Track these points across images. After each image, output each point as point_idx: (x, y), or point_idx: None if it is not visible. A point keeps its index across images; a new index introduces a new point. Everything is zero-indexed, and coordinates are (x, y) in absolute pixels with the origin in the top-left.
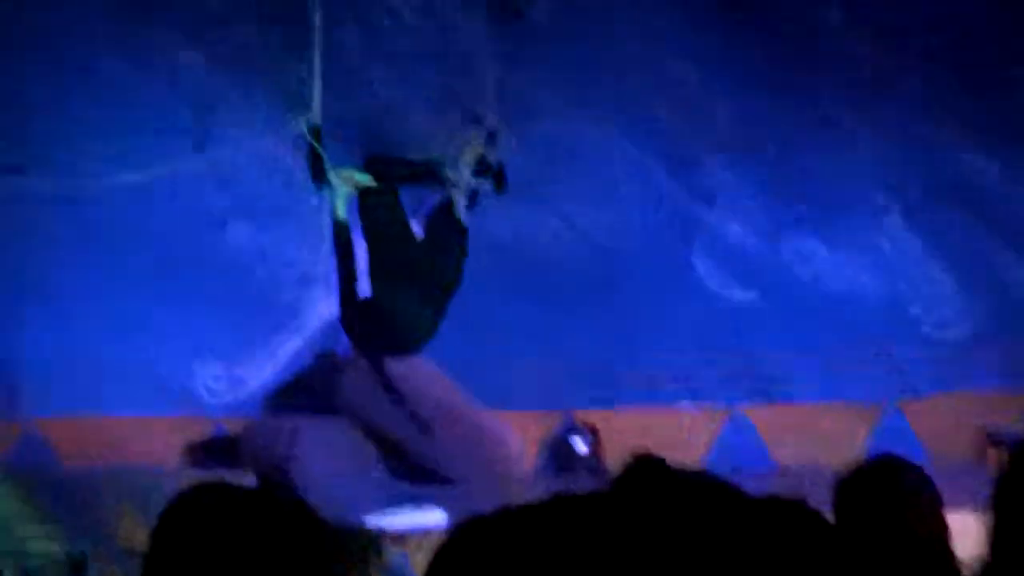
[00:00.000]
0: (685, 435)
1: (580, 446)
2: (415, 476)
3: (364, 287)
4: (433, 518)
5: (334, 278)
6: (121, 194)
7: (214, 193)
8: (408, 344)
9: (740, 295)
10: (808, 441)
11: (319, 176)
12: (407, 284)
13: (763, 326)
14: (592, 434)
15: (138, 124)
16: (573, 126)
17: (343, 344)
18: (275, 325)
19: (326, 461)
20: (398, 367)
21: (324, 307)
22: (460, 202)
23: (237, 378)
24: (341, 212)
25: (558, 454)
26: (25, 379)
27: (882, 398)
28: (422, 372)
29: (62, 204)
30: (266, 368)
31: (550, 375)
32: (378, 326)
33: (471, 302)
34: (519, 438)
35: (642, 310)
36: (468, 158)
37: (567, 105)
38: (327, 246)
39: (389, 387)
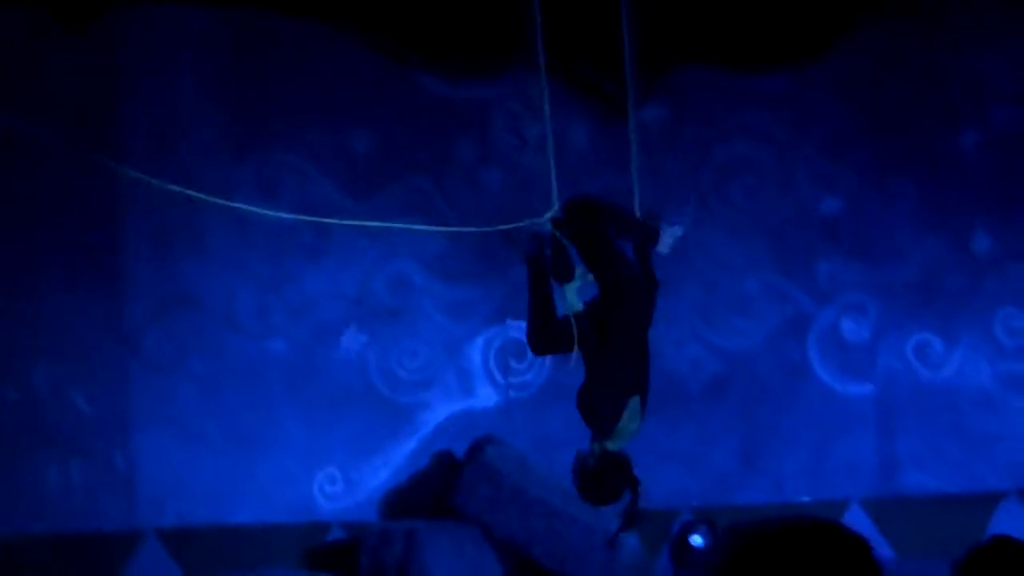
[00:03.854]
0: None
1: (699, 542)
2: None
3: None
4: None
5: (446, 385)
6: (243, 311)
7: (330, 304)
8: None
9: (856, 390)
10: (927, 532)
11: (564, 271)
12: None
13: (879, 419)
14: (711, 530)
15: (261, 245)
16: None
17: (458, 447)
18: (390, 429)
19: (443, 563)
20: (515, 467)
21: (438, 410)
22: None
23: (354, 482)
24: (578, 304)
25: (678, 550)
26: (144, 491)
27: (1001, 489)
28: (539, 473)
29: (187, 325)
30: (382, 472)
31: (669, 472)
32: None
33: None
34: (637, 536)
35: (760, 405)
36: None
37: (681, 208)
38: (436, 351)
39: (507, 489)
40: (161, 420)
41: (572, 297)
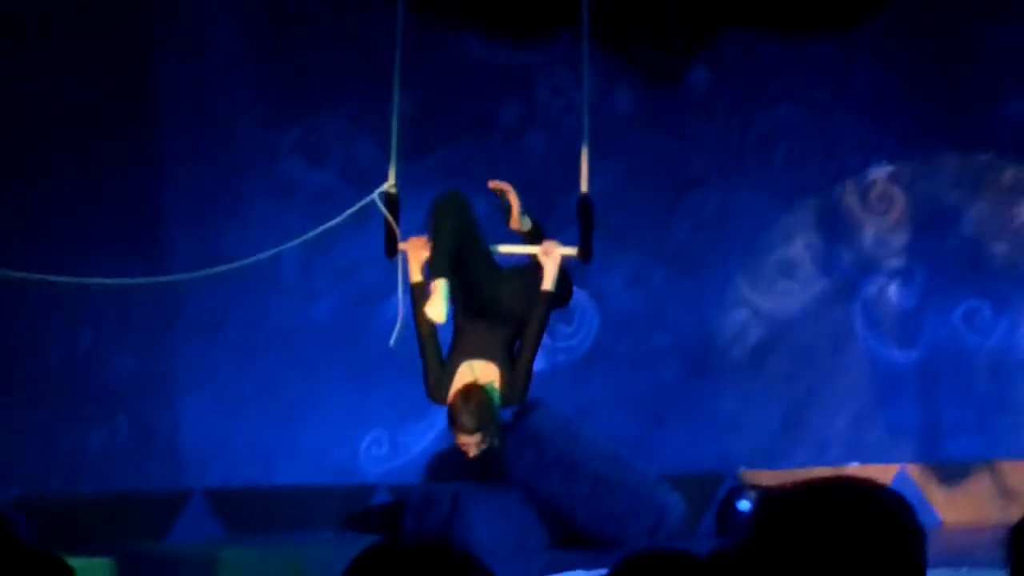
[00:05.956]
0: None
1: (747, 507)
2: (578, 540)
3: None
4: None
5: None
6: (287, 274)
7: (374, 267)
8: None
9: (903, 356)
10: (974, 499)
11: (392, 246)
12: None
13: (927, 386)
14: (758, 495)
15: (305, 210)
16: (730, 194)
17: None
18: None
19: (488, 526)
20: (559, 431)
21: None
22: (550, 270)
23: (399, 445)
24: (415, 276)
25: (724, 515)
26: (190, 452)
27: None
28: (584, 437)
29: (231, 288)
30: (428, 435)
31: (713, 437)
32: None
33: (634, 368)
34: (683, 501)
35: (805, 370)
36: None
37: (725, 173)
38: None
39: (551, 453)
40: (205, 382)
41: (415, 269)
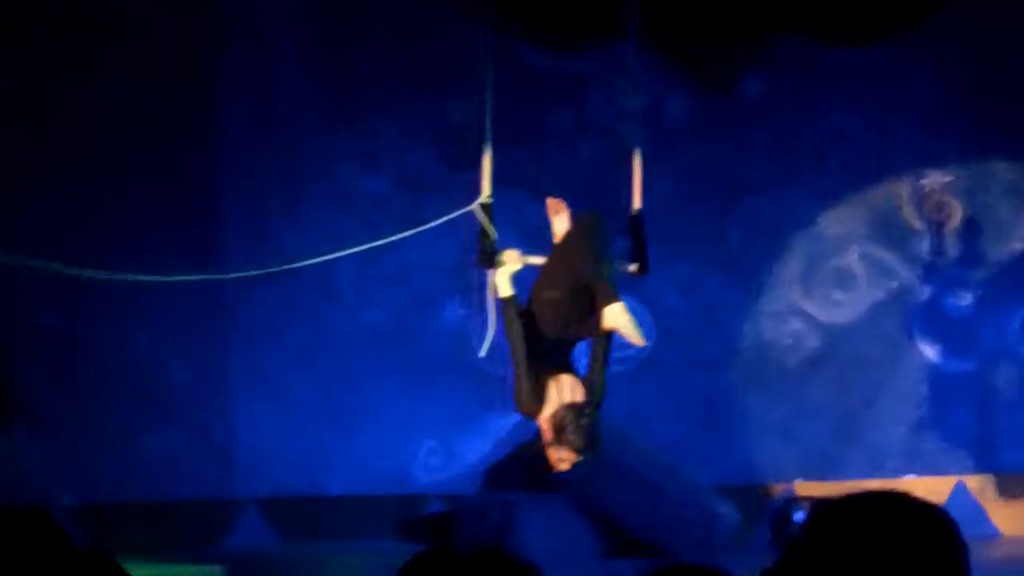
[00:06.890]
0: None
1: (800, 519)
2: (631, 549)
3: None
4: None
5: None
6: (342, 280)
7: (429, 275)
8: None
9: (959, 366)
10: None
11: (488, 256)
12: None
13: (984, 396)
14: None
15: (360, 215)
16: (785, 202)
17: None
18: (490, 400)
19: (542, 536)
20: (613, 440)
21: None
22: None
23: (453, 454)
24: (506, 290)
25: (778, 527)
26: (244, 461)
27: None
28: (637, 446)
29: (287, 294)
30: (481, 444)
31: (767, 447)
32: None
33: (688, 376)
34: (737, 511)
35: (860, 380)
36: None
37: (779, 181)
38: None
39: (604, 461)
40: (259, 390)
41: (505, 283)
